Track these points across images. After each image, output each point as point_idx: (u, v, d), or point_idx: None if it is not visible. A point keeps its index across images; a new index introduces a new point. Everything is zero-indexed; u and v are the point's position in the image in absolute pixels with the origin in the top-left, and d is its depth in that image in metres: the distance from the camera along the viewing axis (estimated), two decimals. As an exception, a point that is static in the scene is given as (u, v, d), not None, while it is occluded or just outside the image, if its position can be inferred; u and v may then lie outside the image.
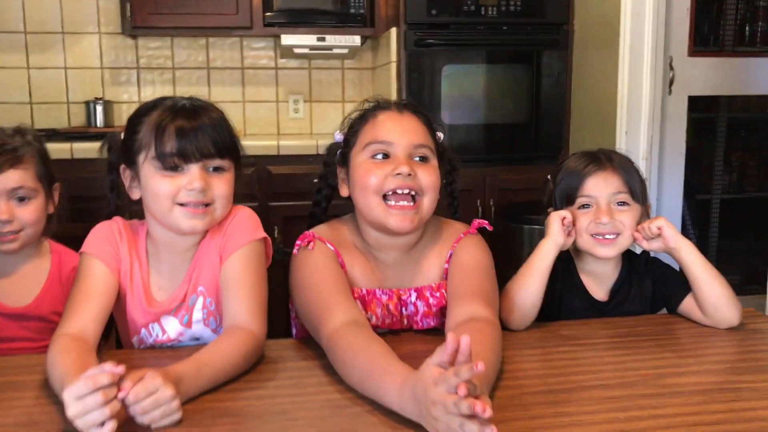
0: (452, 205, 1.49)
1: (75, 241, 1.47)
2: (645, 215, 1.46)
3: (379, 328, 1.34)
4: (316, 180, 1.52)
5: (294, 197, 3.00)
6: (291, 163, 3.16)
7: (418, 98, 3.16)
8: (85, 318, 1.22)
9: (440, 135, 1.42)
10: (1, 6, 3.50)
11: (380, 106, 1.39)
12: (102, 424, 0.93)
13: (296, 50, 3.50)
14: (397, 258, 1.39)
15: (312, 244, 1.33)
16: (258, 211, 1.42)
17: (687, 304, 1.42)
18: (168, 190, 1.25)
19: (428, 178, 1.32)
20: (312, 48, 3.48)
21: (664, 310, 1.50)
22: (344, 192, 1.40)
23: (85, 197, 1.54)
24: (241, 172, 1.35)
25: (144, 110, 1.30)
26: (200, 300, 1.33)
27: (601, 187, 1.42)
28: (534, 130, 3.35)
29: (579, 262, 1.49)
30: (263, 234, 1.35)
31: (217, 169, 1.28)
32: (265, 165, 3.14)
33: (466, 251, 1.37)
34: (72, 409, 0.92)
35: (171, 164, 1.24)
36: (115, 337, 1.46)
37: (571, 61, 3.34)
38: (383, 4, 3.44)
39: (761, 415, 1.02)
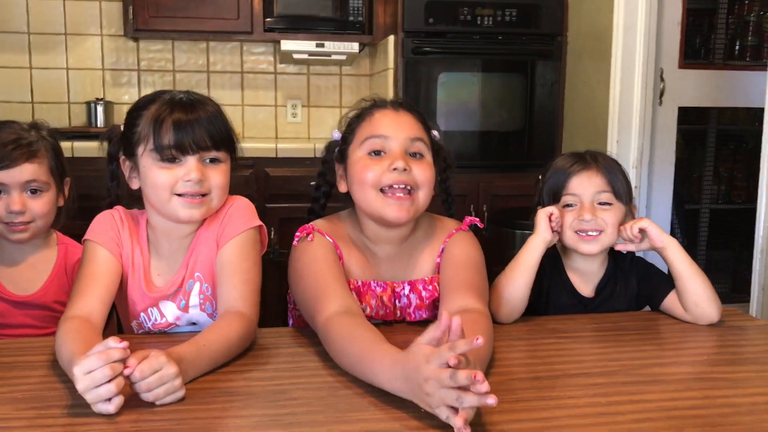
0: (447, 202, 1.55)
1: (76, 239, 1.52)
2: (629, 215, 1.52)
3: (373, 318, 1.39)
4: (313, 183, 1.57)
5: (291, 199, 3.06)
6: (288, 166, 3.21)
7: (415, 105, 3.21)
8: (91, 301, 1.27)
9: (435, 133, 1.47)
10: (5, 7, 3.56)
11: (377, 104, 1.44)
12: (109, 400, 0.98)
13: (295, 56, 3.56)
14: (391, 251, 1.45)
15: (311, 236, 1.38)
16: (255, 212, 1.47)
17: (669, 301, 1.48)
18: (166, 181, 1.30)
19: (423, 173, 1.37)
20: (311, 54, 3.54)
21: (648, 308, 1.55)
22: (342, 188, 1.46)
23: (85, 195, 1.60)
24: (236, 163, 1.41)
25: (143, 103, 1.36)
26: (197, 285, 1.38)
27: (585, 185, 1.48)
28: (527, 138, 3.42)
29: (566, 260, 1.55)
30: (259, 222, 1.40)
31: (213, 161, 1.34)
32: (263, 167, 3.19)
33: (457, 246, 1.43)
34: (81, 383, 0.97)
35: (169, 156, 1.29)
36: (116, 323, 1.51)
37: (564, 71, 3.40)
38: (382, 12, 3.50)
39: (734, 402, 1.07)
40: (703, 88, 3.22)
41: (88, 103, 3.57)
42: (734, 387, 1.14)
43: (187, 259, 1.39)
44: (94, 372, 0.97)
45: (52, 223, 1.56)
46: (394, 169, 1.33)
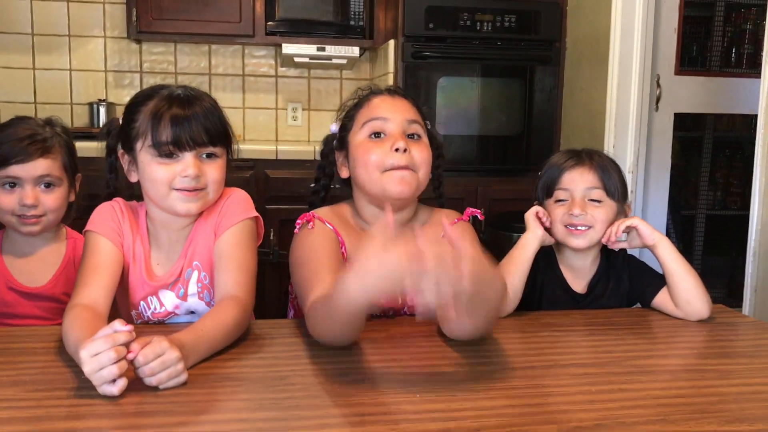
0: (438, 189, 1.60)
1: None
2: (622, 214, 1.55)
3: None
4: (312, 185, 1.61)
5: (290, 201, 3.09)
6: (288, 168, 3.25)
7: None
8: (95, 289, 1.30)
9: (427, 123, 1.53)
10: (10, 8, 3.60)
11: (373, 91, 1.51)
12: (113, 382, 1.01)
13: (296, 59, 3.61)
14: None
15: (312, 223, 1.42)
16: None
17: (661, 298, 1.51)
18: (164, 176, 1.33)
19: (421, 154, 1.43)
20: (312, 57, 3.58)
21: (639, 306, 1.59)
22: (344, 174, 1.51)
23: (87, 194, 1.64)
24: (232, 156, 1.45)
25: (141, 99, 1.38)
26: (195, 274, 1.42)
27: (576, 180, 1.52)
28: (526, 142, 3.46)
29: (559, 256, 1.58)
30: (255, 213, 1.44)
31: (210, 156, 1.37)
32: (263, 169, 3.23)
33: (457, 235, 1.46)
34: (88, 366, 1.00)
35: (167, 152, 1.33)
36: (117, 314, 1.54)
37: (562, 76, 3.45)
38: (382, 16, 3.54)
39: (720, 392, 1.10)
40: (699, 94, 3.26)
41: (90, 104, 3.61)
42: (722, 378, 1.17)
43: (185, 250, 1.42)
44: (100, 354, 1.00)
45: (62, 218, 1.60)
46: (396, 149, 1.39)
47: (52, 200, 1.54)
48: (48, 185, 1.54)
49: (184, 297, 1.42)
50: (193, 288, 1.42)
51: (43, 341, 1.25)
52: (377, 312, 1.46)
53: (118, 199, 1.46)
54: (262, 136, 3.91)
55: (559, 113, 3.48)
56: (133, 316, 1.44)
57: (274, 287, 3.09)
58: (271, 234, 3.12)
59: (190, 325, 1.20)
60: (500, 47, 3.37)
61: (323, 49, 3.54)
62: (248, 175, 3.18)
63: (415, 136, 1.45)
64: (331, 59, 3.61)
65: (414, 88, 3.28)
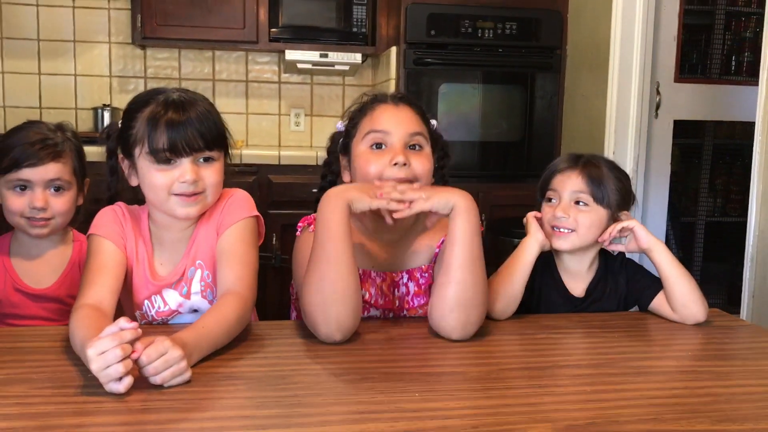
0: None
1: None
2: (611, 221, 1.56)
3: (373, 306, 1.46)
4: (315, 190, 1.63)
5: (293, 206, 3.11)
6: (291, 173, 3.28)
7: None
8: (101, 290, 1.32)
9: (434, 122, 1.54)
10: (16, 14, 3.64)
11: (378, 98, 1.51)
12: (120, 379, 1.03)
13: (299, 65, 3.64)
14: (392, 240, 1.50)
15: (312, 226, 1.44)
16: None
17: (657, 302, 1.53)
18: (163, 182, 1.36)
19: (422, 165, 1.43)
20: (315, 64, 3.61)
21: (636, 309, 1.61)
22: (346, 178, 1.52)
23: (91, 199, 1.67)
24: (230, 157, 1.47)
25: (138, 105, 1.41)
26: (198, 273, 1.44)
27: (564, 183, 1.54)
28: (526, 148, 3.48)
29: (557, 260, 1.60)
30: (256, 213, 1.47)
31: (207, 160, 1.39)
32: (266, 174, 3.26)
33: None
34: (95, 364, 1.02)
35: (164, 159, 1.35)
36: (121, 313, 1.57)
37: (563, 83, 3.48)
38: (384, 23, 3.58)
39: (714, 392, 1.12)
40: (699, 101, 3.29)
41: (95, 109, 3.65)
42: (716, 379, 1.19)
43: (188, 249, 1.45)
44: (106, 353, 1.02)
45: (70, 221, 1.63)
46: (395, 164, 1.40)
47: (61, 203, 1.57)
48: (58, 189, 1.57)
49: (187, 295, 1.44)
50: (196, 286, 1.44)
51: (50, 340, 1.28)
52: (377, 314, 1.48)
53: (120, 203, 1.49)
54: (265, 142, 3.94)
55: (560, 120, 3.50)
56: (137, 316, 1.47)
57: (276, 291, 3.12)
58: (274, 239, 3.15)
59: (191, 324, 1.22)
60: (501, 54, 3.40)
61: (326, 56, 3.57)
62: (251, 180, 3.21)
63: (417, 147, 1.45)
64: (333, 65, 3.64)
65: (416, 94, 3.31)
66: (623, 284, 1.59)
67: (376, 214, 1.45)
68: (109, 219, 1.44)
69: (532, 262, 1.50)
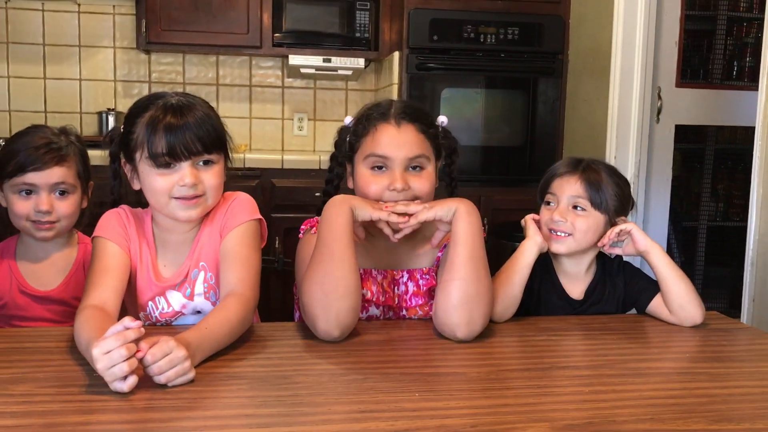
0: (450, 186, 1.61)
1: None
2: (608, 226, 1.56)
3: (374, 303, 1.48)
4: (318, 194, 1.65)
5: (296, 209, 3.13)
6: (294, 177, 3.30)
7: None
8: (105, 291, 1.34)
9: (443, 120, 1.55)
10: (22, 19, 3.67)
11: (382, 116, 1.48)
12: (124, 379, 1.05)
13: (303, 70, 3.66)
14: (395, 243, 1.51)
15: (314, 228, 1.47)
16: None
17: (655, 304, 1.54)
18: (163, 186, 1.38)
19: (422, 187, 1.45)
20: (318, 68, 3.63)
21: (633, 311, 1.62)
22: (350, 184, 1.55)
23: (95, 202, 1.68)
24: (231, 160, 1.48)
25: (138, 109, 1.43)
26: (202, 274, 1.46)
27: (563, 187, 1.55)
28: (528, 153, 3.50)
29: (555, 262, 1.62)
30: (259, 216, 1.48)
31: (206, 163, 1.41)
32: (269, 178, 3.28)
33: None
34: (100, 363, 1.04)
35: (163, 163, 1.37)
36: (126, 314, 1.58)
37: (564, 88, 3.49)
38: (387, 29, 3.60)
39: (710, 393, 1.13)
40: (700, 106, 3.30)
41: (99, 113, 3.67)
42: (713, 380, 1.20)
43: (192, 251, 1.47)
44: (111, 352, 1.04)
45: (75, 224, 1.65)
46: (393, 189, 1.42)
47: (66, 207, 1.59)
48: (62, 192, 1.59)
49: (190, 297, 1.46)
50: (199, 288, 1.46)
51: (55, 341, 1.29)
52: (378, 314, 1.50)
53: (124, 206, 1.51)
54: (269, 146, 3.96)
55: (562, 124, 3.52)
56: (141, 317, 1.48)
57: (278, 294, 3.13)
58: (277, 242, 3.17)
59: (195, 325, 1.24)
60: (503, 59, 3.42)
61: (329, 61, 3.59)
62: (254, 184, 3.23)
63: (418, 168, 1.46)
64: (336, 70, 3.65)
65: (418, 99, 3.33)
66: (621, 287, 1.61)
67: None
68: (113, 222, 1.46)
69: (530, 265, 1.51)
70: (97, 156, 1.65)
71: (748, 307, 2.35)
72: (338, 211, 1.35)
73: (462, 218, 1.35)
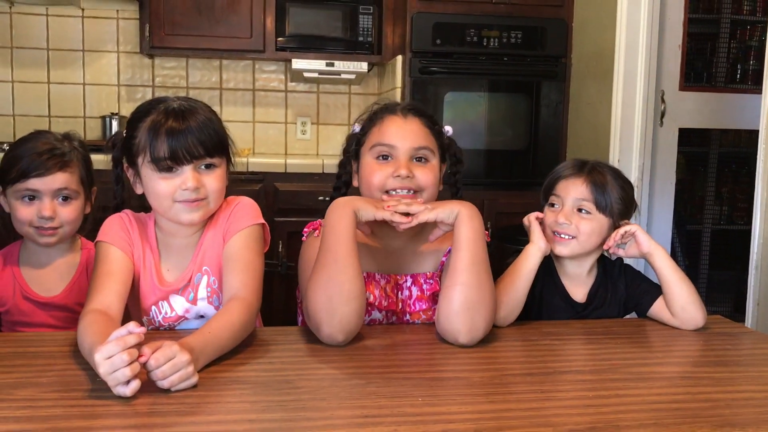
0: (456, 195, 1.62)
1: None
2: (612, 229, 1.56)
3: (376, 307, 1.48)
4: (321, 198, 1.65)
5: (299, 213, 3.13)
6: (297, 181, 3.30)
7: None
8: (108, 295, 1.34)
9: (448, 129, 1.58)
10: (26, 23, 3.68)
11: (387, 109, 1.53)
12: (127, 383, 1.05)
13: (306, 74, 3.66)
14: (399, 245, 1.53)
15: (317, 231, 1.47)
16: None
17: (657, 307, 1.54)
18: (166, 190, 1.38)
19: (425, 177, 1.46)
20: (321, 72, 3.63)
21: (634, 315, 1.62)
22: (356, 182, 1.56)
23: (99, 207, 1.69)
24: (233, 164, 1.49)
25: (140, 114, 1.43)
26: (205, 279, 1.46)
27: (568, 190, 1.55)
28: (532, 156, 3.50)
29: (557, 264, 1.62)
30: (262, 220, 1.49)
31: (208, 166, 1.41)
32: (272, 182, 3.28)
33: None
34: (102, 368, 1.04)
35: (165, 167, 1.37)
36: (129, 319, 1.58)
37: (568, 92, 3.49)
38: (390, 33, 3.60)
39: (714, 398, 1.13)
40: (703, 110, 3.29)
41: (103, 118, 3.68)
42: (716, 385, 1.20)
43: (195, 256, 1.47)
44: (113, 357, 1.04)
45: (78, 229, 1.65)
46: (397, 176, 1.43)
47: (69, 212, 1.59)
48: (65, 198, 1.59)
49: (193, 301, 1.46)
50: (202, 292, 1.46)
51: (58, 345, 1.30)
52: (380, 318, 1.50)
53: (127, 211, 1.51)
54: (272, 150, 3.96)
55: (565, 128, 3.52)
56: (145, 322, 1.48)
57: (282, 298, 3.14)
58: (280, 246, 3.17)
59: (198, 329, 1.24)
60: (506, 63, 3.42)
61: (332, 65, 3.59)
62: (258, 188, 3.23)
63: (423, 160, 1.48)
64: (339, 74, 3.66)
65: (421, 102, 3.32)
66: (623, 289, 1.60)
67: (384, 221, 1.47)
68: (117, 226, 1.46)
69: (534, 270, 1.51)
70: (100, 161, 1.65)
71: (753, 310, 2.34)
72: (341, 214, 1.35)
73: (464, 222, 1.35)
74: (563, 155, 3.52)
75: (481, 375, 1.22)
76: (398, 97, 3.40)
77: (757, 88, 2.57)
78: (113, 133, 1.57)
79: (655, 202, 3.23)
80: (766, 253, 2.31)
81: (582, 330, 1.50)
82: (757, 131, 2.39)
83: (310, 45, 3.60)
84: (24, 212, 1.57)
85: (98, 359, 1.05)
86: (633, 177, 3.07)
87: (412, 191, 1.46)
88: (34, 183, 1.55)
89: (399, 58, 3.41)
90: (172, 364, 1.08)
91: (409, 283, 1.52)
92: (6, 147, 1.78)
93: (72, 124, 3.71)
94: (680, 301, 1.49)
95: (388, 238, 1.52)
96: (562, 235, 1.54)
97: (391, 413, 1.03)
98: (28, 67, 3.71)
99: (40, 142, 1.59)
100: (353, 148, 1.57)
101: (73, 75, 3.76)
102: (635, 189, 3.04)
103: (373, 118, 1.54)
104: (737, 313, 3.81)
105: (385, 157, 1.48)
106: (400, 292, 1.52)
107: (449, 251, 1.46)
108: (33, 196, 1.57)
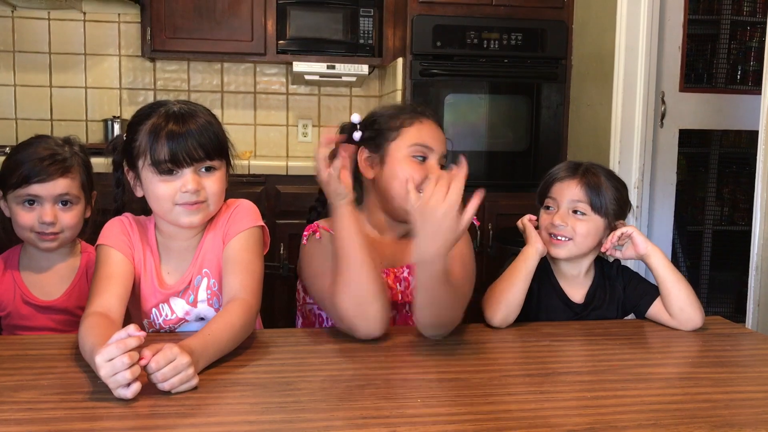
0: None
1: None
2: (608, 230, 1.57)
3: None
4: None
5: (300, 216, 3.08)
6: (298, 183, 3.30)
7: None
8: (109, 298, 1.35)
9: (449, 141, 1.62)
10: (28, 28, 3.69)
11: (425, 113, 1.58)
12: (127, 386, 1.06)
13: (307, 77, 3.67)
14: (395, 239, 1.57)
15: (318, 233, 1.49)
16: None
17: (655, 308, 1.55)
18: (166, 193, 1.39)
19: None
20: (322, 75, 3.64)
21: (632, 316, 1.62)
22: (369, 174, 1.56)
23: (99, 210, 1.69)
24: (233, 166, 1.50)
25: (141, 118, 1.43)
26: (205, 281, 1.47)
27: (563, 192, 1.56)
28: (532, 158, 3.50)
29: (553, 265, 1.62)
30: (261, 222, 1.50)
31: (208, 169, 1.42)
32: (273, 184, 3.29)
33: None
34: (103, 370, 1.05)
35: (165, 169, 1.38)
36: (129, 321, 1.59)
37: (568, 93, 3.50)
38: (391, 35, 3.61)
39: (712, 398, 1.13)
40: (704, 111, 3.30)
41: (105, 121, 3.69)
42: (715, 386, 1.20)
43: (195, 258, 1.48)
44: (114, 360, 1.05)
45: (78, 233, 1.65)
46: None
47: (70, 218, 1.60)
48: (66, 203, 1.60)
49: (194, 303, 1.47)
50: (202, 294, 1.47)
51: (59, 348, 1.30)
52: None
53: (127, 214, 1.52)
54: (273, 152, 3.97)
55: (565, 129, 3.52)
56: (145, 324, 1.49)
57: (283, 300, 3.14)
58: (281, 248, 3.17)
59: (198, 331, 1.25)
60: (507, 65, 3.42)
61: (333, 67, 3.60)
62: (259, 190, 3.24)
63: (444, 167, 1.53)
64: (340, 77, 3.67)
65: (422, 105, 3.32)
66: (620, 290, 1.61)
67: (387, 218, 1.53)
68: (117, 229, 1.47)
69: (532, 271, 1.52)
70: (101, 164, 1.66)
71: (753, 311, 2.34)
72: (341, 213, 1.39)
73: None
74: (564, 157, 3.52)
75: (479, 376, 1.22)
76: (399, 100, 3.40)
77: (757, 89, 2.57)
78: (115, 136, 1.57)
79: (655, 203, 3.23)
80: (766, 254, 2.31)
81: (581, 331, 1.51)
82: (758, 132, 2.38)
83: (310, 48, 3.60)
84: (25, 217, 1.57)
85: (99, 362, 1.05)
86: (633, 178, 3.07)
87: None
88: (36, 189, 1.56)
89: (399, 60, 3.42)
90: (172, 367, 1.09)
91: (405, 273, 1.55)
92: (8, 151, 1.79)
93: (74, 128, 3.72)
94: (678, 302, 1.49)
95: (387, 233, 1.57)
96: (559, 237, 1.54)
97: (391, 414, 1.03)
98: (30, 70, 3.72)
99: (41, 147, 1.59)
100: (367, 135, 1.56)
101: (74, 78, 3.77)
102: (636, 190, 3.07)
103: (408, 116, 1.56)
104: (738, 314, 3.81)
105: (421, 158, 1.52)
106: (399, 284, 1.54)
107: None
108: (33, 201, 1.57)
